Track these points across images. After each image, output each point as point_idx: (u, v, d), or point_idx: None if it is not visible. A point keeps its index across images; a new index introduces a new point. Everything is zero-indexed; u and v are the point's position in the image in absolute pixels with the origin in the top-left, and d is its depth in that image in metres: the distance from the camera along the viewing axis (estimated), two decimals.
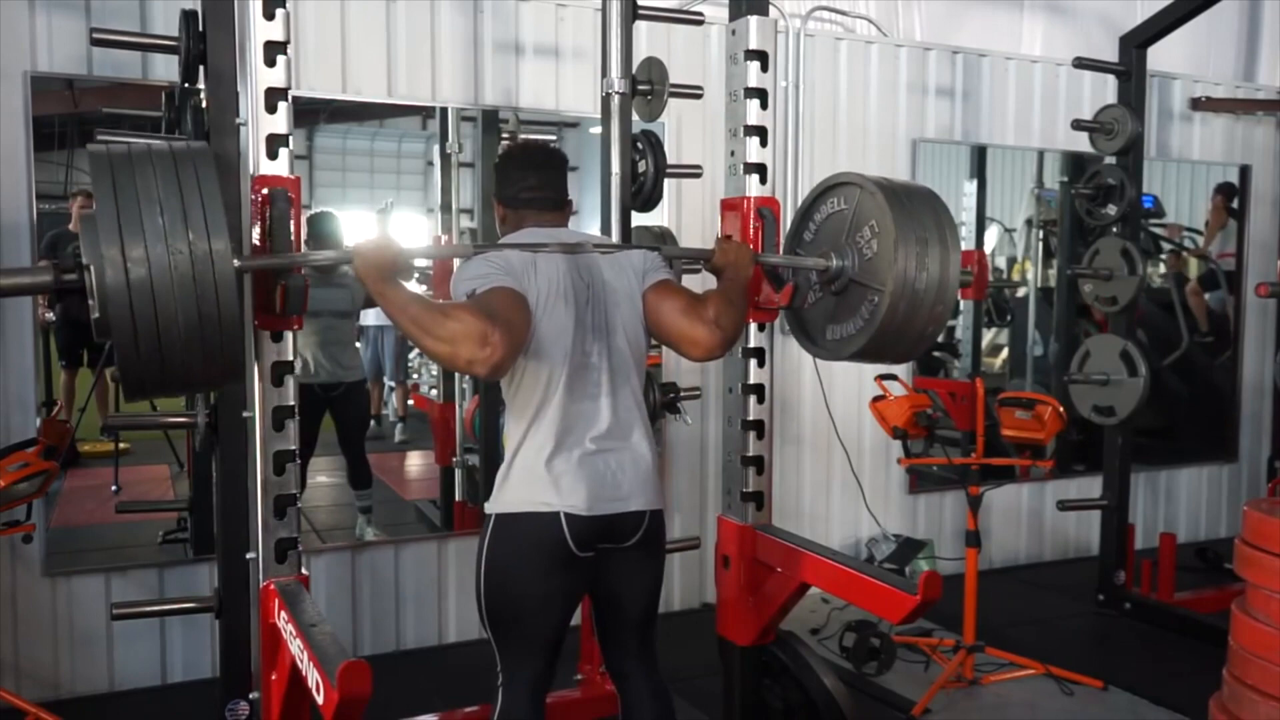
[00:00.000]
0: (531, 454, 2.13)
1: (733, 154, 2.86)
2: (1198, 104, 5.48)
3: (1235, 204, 5.84)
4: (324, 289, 4.24)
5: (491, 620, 2.19)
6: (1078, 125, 4.43)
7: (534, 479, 2.12)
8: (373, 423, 5.98)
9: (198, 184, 1.75)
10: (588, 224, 3.70)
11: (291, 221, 2.15)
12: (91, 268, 1.67)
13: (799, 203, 4.53)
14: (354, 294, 4.38)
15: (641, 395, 2.26)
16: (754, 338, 2.86)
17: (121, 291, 1.66)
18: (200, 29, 2.40)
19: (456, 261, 2.22)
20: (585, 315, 2.16)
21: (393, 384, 6.05)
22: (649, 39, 4.08)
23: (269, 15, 2.19)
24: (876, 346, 2.32)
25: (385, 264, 1.91)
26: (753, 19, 2.78)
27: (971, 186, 5.49)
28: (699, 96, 3.30)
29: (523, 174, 2.31)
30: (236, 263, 1.81)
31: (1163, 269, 6.26)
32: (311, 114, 4.84)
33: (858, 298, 2.34)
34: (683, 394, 3.11)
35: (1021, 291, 6.24)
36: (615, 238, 3.05)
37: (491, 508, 2.17)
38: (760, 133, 2.81)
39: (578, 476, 2.12)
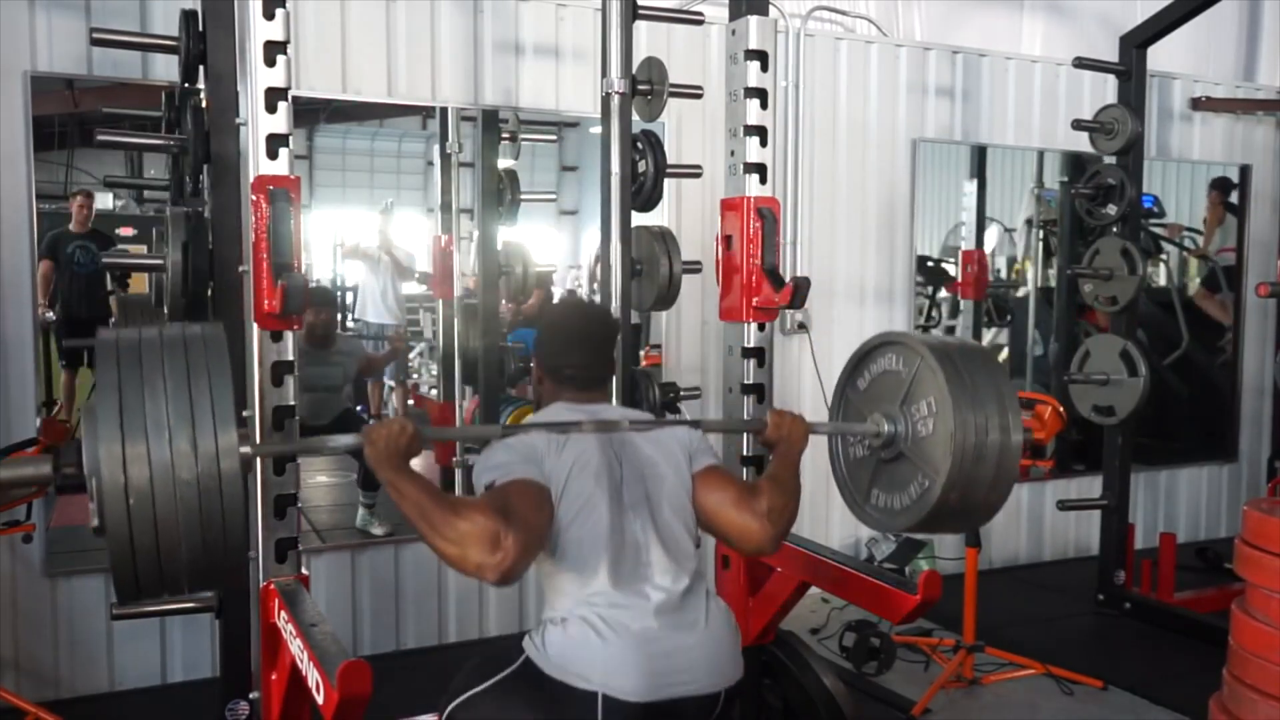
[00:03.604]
0: (575, 626, 1.88)
1: (733, 154, 2.86)
2: (1198, 104, 5.48)
3: (1232, 199, 5.84)
4: (319, 366, 4.56)
5: None
6: (1078, 125, 4.43)
7: (581, 644, 1.86)
8: (373, 423, 5.99)
9: (207, 372, 1.63)
10: (587, 225, 3.68)
11: (292, 221, 2.15)
12: (93, 478, 1.55)
13: (799, 203, 4.60)
14: (345, 371, 4.65)
15: (699, 568, 2.03)
16: (754, 338, 2.86)
17: (119, 497, 1.55)
18: (200, 29, 2.41)
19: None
20: (619, 492, 1.97)
21: (392, 384, 6.05)
22: (649, 39, 4.07)
23: (269, 15, 2.19)
24: (925, 527, 2.20)
25: (398, 452, 1.76)
26: (753, 19, 2.78)
27: (971, 186, 5.48)
28: (699, 96, 3.30)
29: (568, 349, 2.15)
30: (246, 450, 1.67)
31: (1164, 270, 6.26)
32: (311, 114, 4.85)
33: (908, 472, 2.15)
34: (682, 394, 3.11)
35: (1021, 291, 6.23)
36: (615, 239, 3.03)
37: (529, 646, 1.92)
38: (760, 133, 2.82)
39: (631, 652, 1.84)
